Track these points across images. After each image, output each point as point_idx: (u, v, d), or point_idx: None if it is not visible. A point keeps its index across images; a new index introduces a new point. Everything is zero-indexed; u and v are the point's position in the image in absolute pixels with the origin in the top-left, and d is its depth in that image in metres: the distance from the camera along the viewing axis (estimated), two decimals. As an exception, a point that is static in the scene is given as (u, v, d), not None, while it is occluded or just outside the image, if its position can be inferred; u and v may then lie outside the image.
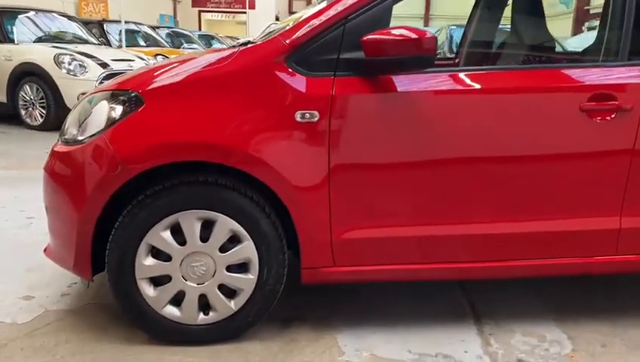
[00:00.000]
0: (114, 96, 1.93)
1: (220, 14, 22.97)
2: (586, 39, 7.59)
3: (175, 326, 1.97)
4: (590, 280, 2.54)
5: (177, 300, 1.96)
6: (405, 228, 1.97)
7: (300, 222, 1.91)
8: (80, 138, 1.93)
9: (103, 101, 1.95)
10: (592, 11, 18.61)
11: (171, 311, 1.96)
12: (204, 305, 1.97)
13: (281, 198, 1.88)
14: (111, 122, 1.87)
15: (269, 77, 1.86)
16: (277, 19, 22.29)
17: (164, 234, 1.88)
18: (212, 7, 22.19)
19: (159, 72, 1.98)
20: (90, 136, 1.89)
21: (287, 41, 1.88)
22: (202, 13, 22.27)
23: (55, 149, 2.03)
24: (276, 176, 1.85)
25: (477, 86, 1.95)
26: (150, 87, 1.88)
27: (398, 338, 2.07)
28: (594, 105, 1.96)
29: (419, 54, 1.76)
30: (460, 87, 1.95)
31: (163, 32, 12.35)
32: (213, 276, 1.94)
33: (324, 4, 1.97)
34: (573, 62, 2.39)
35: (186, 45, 12.16)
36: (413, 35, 1.75)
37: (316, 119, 1.85)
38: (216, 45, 14.76)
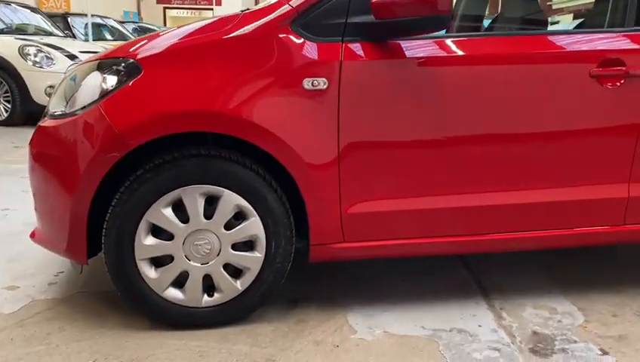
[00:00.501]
0: (106, 65, 1.80)
1: (185, 11, 22.55)
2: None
3: (178, 310, 1.86)
4: (594, 250, 2.53)
5: (180, 282, 1.85)
6: (418, 199, 1.91)
7: (308, 195, 1.82)
8: (69, 111, 1.80)
9: (94, 72, 1.82)
10: (554, 7, 19.03)
11: (174, 293, 1.85)
12: (209, 286, 1.87)
13: (288, 170, 1.79)
14: (105, 92, 1.74)
15: (274, 42, 1.76)
16: (244, 15, 22.05)
17: (166, 211, 1.77)
18: (177, 4, 21.76)
19: (155, 38, 1.87)
20: (82, 108, 1.76)
21: (293, 5, 1.79)
22: (167, 10, 21.82)
23: (41, 124, 1.89)
24: (284, 146, 1.76)
25: (491, 52, 1.89)
26: (148, 54, 1.76)
27: (410, 316, 2.00)
28: (603, 71, 1.93)
29: (434, 14, 1.69)
30: (474, 54, 1.89)
31: (129, 27, 12.04)
32: (218, 255, 1.83)
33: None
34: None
35: (153, 40, 11.87)
36: (423, -4, 1.68)
37: (325, 87, 1.77)
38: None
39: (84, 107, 1.75)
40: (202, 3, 21.64)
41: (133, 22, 14.26)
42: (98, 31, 9.78)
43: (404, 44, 1.82)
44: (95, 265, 2.07)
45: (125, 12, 19.17)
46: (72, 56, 6.61)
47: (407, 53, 1.82)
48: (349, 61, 1.78)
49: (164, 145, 1.75)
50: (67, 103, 1.84)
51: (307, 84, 1.76)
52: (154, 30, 12.79)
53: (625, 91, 1.95)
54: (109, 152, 1.70)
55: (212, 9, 21.02)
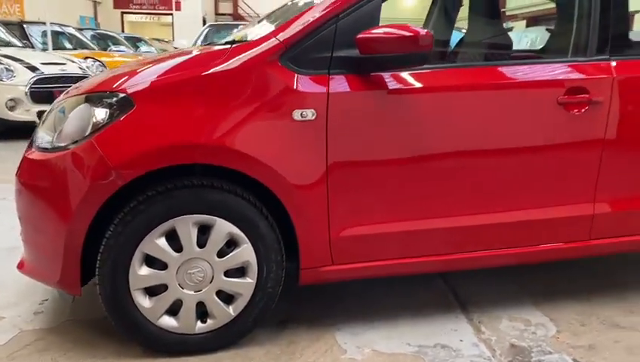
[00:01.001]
0: (96, 99, 1.83)
1: (144, 16, 22.23)
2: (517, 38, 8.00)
3: (172, 337, 1.90)
4: (562, 263, 2.68)
5: (174, 310, 1.88)
6: (401, 222, 2.00)
7: (298, 222, 1.89)
8: (61, 144, 1.81)
9: (84, 104, 1.84)
10: (507, 13, 19.64)
11: (168, 321, 1.88)
12: (202, 312, 1.91)
13: (280, 199, 1.86)
14: (97, 126, 1.77)
15: (264, 76, 1.83)
16: (204, 21, 21.91)
17: (160, 241, 1.81)
18: (135, 9, 21.43)
19: (144, 70, 1.90)
20: (75, 142, 1.77)
21: (281, 39, 1.86)
22: (125, 15, 21.46)
23: (30, 157, 1.90)
24: (275, 176, 1.83)
25: (467, 82, 2.01)
26: (140, 88, 1.79)
27: (395, 333, 2.10)
28: (569, 99, 2.07)
29: (415, 51, 1.79)
30: (451, 84, 2.00)
31: (88, 34, 11.80)
32: (210, 282, 1.88)
33: (318, 3, 1.95)
34: (537, 59, 2.50)
35: (113, 47, 11.68)
36: (409, 33, 1.78)
37: (313, 117, 1.84)
38: (143, 48, 14.27)
39: (77, 141, 1.77)
40: (161, 8, 21.39)
41: (91, 29, 13.97)
42: (56, 39, 9.55)
43: (386, 75, 1.91)
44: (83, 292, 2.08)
45: (81, 17, 18.78)
46: (32, 68, 6.47)
47: (389, 85, 1.91)
48: (336, 93, 1.86)
49: (154, 176, 1.79)
50: (56, 136, 1.85)
51: (297, 115, 1.83)
52: (114, 37, 12.59)
53: (588, 116, 2.10)
54: (104, 186, 1.73)
55: (172, 14, 20.86)
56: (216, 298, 1.90)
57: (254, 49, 1.86)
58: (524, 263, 2.30)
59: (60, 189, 1.78)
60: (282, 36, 1.88)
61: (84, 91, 1.91)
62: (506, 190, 2.08)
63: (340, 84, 1.87)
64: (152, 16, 22.48)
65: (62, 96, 2.05)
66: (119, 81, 1.85)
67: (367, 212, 1.97)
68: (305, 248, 1.93)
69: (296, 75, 1.85)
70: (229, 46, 1.94)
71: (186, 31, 20.61)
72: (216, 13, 26.19)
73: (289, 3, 2.69)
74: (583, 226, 2.22)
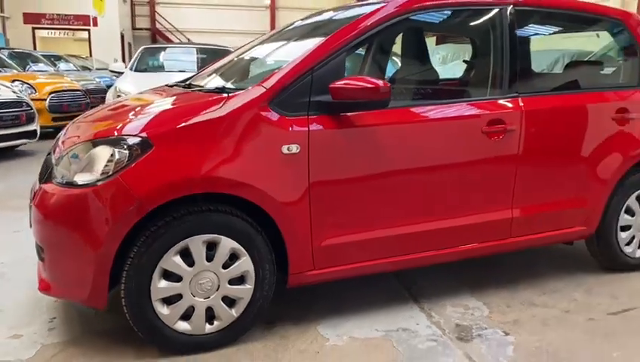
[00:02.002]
0: (116, 141, 2.17)
1: (56, 31, 21.53)
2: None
3: (186, 339, 2.26)
4: (490, 258, 3.26)
5: (187, 315, 2.25)
6: (367, 232, 2.48)
7: (287, 235, 2.32)
8: (86, 181, 2.13)
9: (104, 146, 2.17)
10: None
11: (182, 325, 2.24)
12: (210, 316, 2.29)
13: (273, 218, 2.28)
14: (121, 165, 2.11)
15: (257, 118, 2.25)
16: (122, 37, 21.57)
17: (176, 258, 2.18)
18: (47, 24, 20.72)
19: (156, 114, 2.27)
20: (102, 179, 2.10)
21: (267, 86, 2.29)
22: (36, 30, 20.69)
23: (53, 191, 2.19)
24: (269, 199, 2.25)
25: (417, 118, 2.53)
26: (158, 132, 2.15)
27: (365, 322, 2.57)
28: (490, 128, 2.65)
29: (376, 98, 2.28)
30: (402, 120, 2.50)
31: (5, 53, 11.46)
32: (217, 290, 2.27)
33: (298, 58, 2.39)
34: (466, 96, 3.03)
35: (32, 67, 11.43)
36: (371, 85, 2.26)
37: (298, 151, 2.29)
38: (62, 66, 13.96)
39: (104, 178, 2.10)
40: (76, 23, 20.83)
41: (6, 48, 13.49)
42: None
43: (352, 115, 2.39)
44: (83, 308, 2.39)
45: (-11, 34, 17.96)
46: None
47: (355, 123, 2.39)
48: (314, 130, 2.31)
49: (170, 204, 2.15)
50: (79, 173, 2.16)
51: (285, 149, 2.27)
52: (33, 56, 12.29)
53: (505, 142, 2.69)
54: (131, 215, 2.08)
55: (88, 30, 20.37)
56: (222, 303, 2.28)
57: (246, 96, 2.28)
58: (463, 259, 2.84)
59: (90, 220, 2.10)
60: (267, 84, 2.31)
61: (96, 136, 2.24)
62: (447, 201, 2.63)
63: (317, 123, 2.33)
64: (66, 31, 21.82)
65: (69, 134, 2.36)
66: (137, 125, 2.20)
67: (339, 224, 2.43)
68: (292, 257, 2.36)
69: (282, 118, 2.28)
70: (224, 94, 2.33)
71: (103, 47, 20.21)
72: (134, 28, 25.81)
73: (233, 58, 3.15)
74: (505, 227, 2.81)
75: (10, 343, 2.35)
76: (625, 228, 3.17)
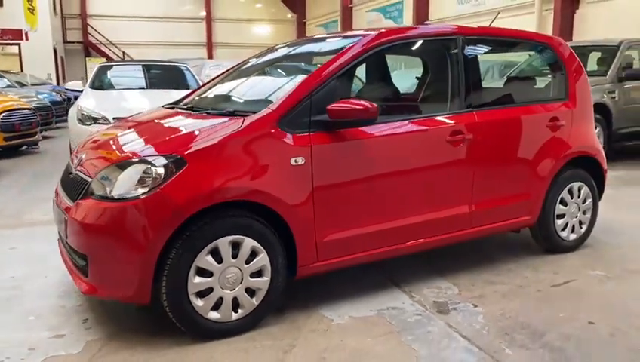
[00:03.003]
0: (156, 160, 2.53)
1: (-16, 46, 20.81)
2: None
3: (216, 326, 2.65)
4: (455, 247, 3.81)
5: (217, 305, 2.64)
6: (360, 228, 2.97)
7: (296, 233, 2.77)
8: (131, 195, 2.48)
9: (144, 164, 2.54)
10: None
11: (213, 314, 2.64)
12: (234, 305, 2.69)
13: (285, 218, 2.72)
14: (160, 180, 2.48)
15: (270, 137, 2.69)
16: (55, 51, 21.10)
17: (208, 257, 2.57)
18: (-26, 39, 20.02)
19: (183, 136, 2.68)
20: (145, 193, 2.47)
21: (273, 108, 2.74)
22: (-38, 46, 19.94)
23: (97, 205, 2.53)
24: (282, 204, 2.69)
25: (395, 131, 3.04)
26: (190, 151, 2.55)
27: (359, 304, 3.04)
28: (453, 138, 3.21)
29: (366, 117, 2.78)
30: (385, 133, 3.01)
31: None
32: (241, 282, 2.68)
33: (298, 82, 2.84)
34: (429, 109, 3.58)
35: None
36: (362, 106, 2.75)
37: (303, 163, 2.74)
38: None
39: (147, 192, 2.47)
40: (5, 38, 20.19)
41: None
42: None
43: (346, 131, 2.87)
44: (113, 307, 2.74)
45: None
46: None
47: (348, 136, 2.88)
48: (315, 145, 2.78)
49: (201, 212, 2.55)
50: (121, 188, 2.51)
51: (292, 161, 2.72)
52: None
53: (465, 148, 3.26)
54: (171, 223, 2.46)
55: (19, 44, 19.84)
56: (245, 293, 2.70)
57: (260, 118, 2.71)
58: (436, 247, 3.38)
59: (136, 228, 2.46)
60: (276, 107, 2.76)
61: (143, 154, 2.60)
62: (423, 198, 3.16)
63: (317, 138, 2.79)
64: (-5, 46, 21.12)
65: (101, 151, 2.70)
66: (172, 146, 2.59)
67: (338, 222, 2.90)
68: (300, 251, 2.81)
69: (289, 135, 2.74)
70: (239, 116, 2.75)
71: (36, 61, 19.75)
72: (65, 42, 25.23)
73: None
74: (467, 219, 3.37)
75: (57, 341, 2.66)
76: (560, 216, 3.82)
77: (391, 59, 3.63)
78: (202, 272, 2.58)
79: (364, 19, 22.26)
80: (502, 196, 3.51)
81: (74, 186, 2.84)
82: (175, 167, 2.52)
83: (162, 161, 2.54)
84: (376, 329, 2.78)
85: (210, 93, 3.68)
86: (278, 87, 3.10)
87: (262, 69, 3.72)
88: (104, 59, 24.09)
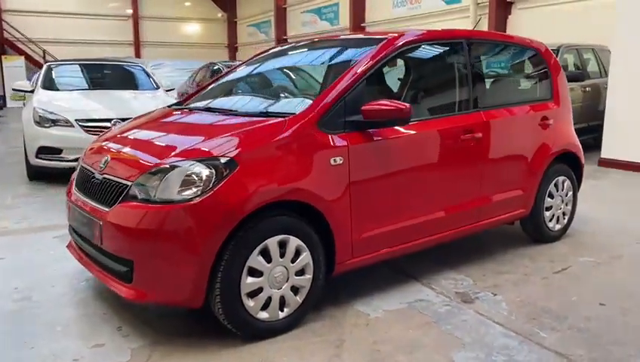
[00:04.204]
0: (207, 162, 2.51)
1: None
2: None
3: (265, 325, 2.66)
4: (462, 241, 3.99)
5: (265, 304, 2.65)
6: (391, 224, 3.08)
7: (335, 232, 2.83)
8: (183, 198, 2.45)
9: (196, 166, 2.50)
10: (288, 40, 21.84)
11: (263, 314, 2.65)
12: (281, 304, 2.72)
13: (326, 218, 2.77)
14: (212, 183, 2.46)
15: (312, 137, 2.74)
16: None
17: (259, 257, 2.58)
18: None
19: (226, 137, 2.65)
20: (199, 195, 2.44)
21: (315, 111, 2.79)
22: None
23: (144, 209, 2.48)
24: (324, 203, 2.74)
25: (421, 129, 3.17)
26: (239, 152, 2.54)
27: (389, 298, 3.14)
28: (466, 136, 3.39)
29: (400, 117, 2.88)
30: (413, 131, 3.13)
31: None
32: (287, 281, 2.70)
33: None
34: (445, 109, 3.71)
35: None
36: (395, 107, 2.85)
37: (341, 162, 2.81)
38: None
39: (201, 195, 2.44)
40: None
41: None
42: None
43: (381, 130, 2.97)
44: (142, 314, 2.70)
45: None
46: None
47: (380, 135, 2.97)
48: (352, 145, 2.85)
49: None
50: (169, 192, 2.47)
51: (332, 161, 2.78)
52: None
53: (476, 146, 3.45)
54: (227, 224, 2.45)
55: None
56: (291, 292, 2.73)
57: (302, 119, 2.75)
58: (453, 240, 3.55)
59: (191, 231, 2.43)
60: (315, 109, 2.80)
61: (193, 155, 2.56)
62: (444, 193, 3.33)
63: (352, 138, 2.87)
64: None
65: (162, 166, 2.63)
66: (223, 148, 2.57)
67: (372, 219, 2.98)
68: (339, 248, 2.87)
69: (328, 135, 2.79)
70: (278, 117, 2.77)
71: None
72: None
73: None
74: (477, 213, 3.57)
75: (100, 351, 2.57)
76: (548, 209, 4.12)
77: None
78: (253, 272, 2.59)
79: (299, 20, 22.35)
80: (504, 190, 3.74)
81: (104, 190, 2.75)
82: (228, 169, 2.51)
83: (214, 162, 2.52)
84: (414, 321, 2.89)
85: (228, 94, 3.64)
86: (308, 88, 3.15)
87: (279, 68, 3.73)
88: (22, 58, 22.74)
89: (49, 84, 7.25)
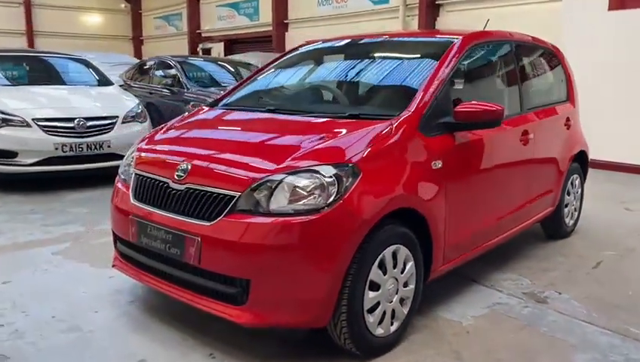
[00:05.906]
0: (335, 168, 2.30)
1: None
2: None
3: (379, 341, 2.49)
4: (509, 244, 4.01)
5: (380, 319, 2.49)
6: (476, 226, 3.04)
7: (434, 239, 2.72)
8: (308, 208, 2.22)
9: (312, 174, 2.28)
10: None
11: (379, 329, 2.48)
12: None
13: (430, 225, 2.65)
14: (342, 191, 2.26)
15: (417, 141, 2.62)
16: None
17: (377, 270, 2.41)
18: None
19: (339, 142, 2.45)
20: (327, 206, 2.22)
21: (414, 114, 2.66)
22: None
23: (262, 222, 2.22)
24: (427, 208, 2.62)
25: (497, 131, 3.11)
26: (360, 158, 2.36)
27: (468, 305, 3.06)
28: (523, 136, 3.43)
29: (494, 119, 2.83)
30: (491, 132, 3.08)
31: None
32: (396, 293, 2.55)
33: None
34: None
35: None
36: (492, 108, 2.79)
37: (441, 166, 2.71)
38: None
39: (328, 204, 2.23)
40: None
41: None
42: None
43: (469, 133, 2.90)
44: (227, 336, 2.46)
45: None
46: None
47: (469, 138, 2.91)
48: (448, 146, 2.76)
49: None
50: (292, 203, 2.25)
51: (434, 165, 2.67)
52: None
53: (531, 145, 3.51)
54: (358, 235, 2.26)
55: None
56: (399, 304, 2.58)
57: (406, 122, 2.61)
58: (507, 240, 3.57)
59: (321, 244, 2.21)
60: (413, 111, 2.67)
61: (322, 160, 2.34)
62: (513, 193, 3.36)
63: (447, 140, 2.78)
64: None
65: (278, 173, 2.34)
66: (343, 154, 2.37)
67: (461, 223, 2.91)
68: (436, 256, 2.77)
69: (427, 139, 2.68)
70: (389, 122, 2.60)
71: None
72: None
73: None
74: (527, 212, 3.63)
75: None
76: (566, 205, 4.29)
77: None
78: (371, 286, 2.41)
79: (215, 14, 21.67)
80: (543, 189, 3.83)
81: (191, 202, 2.43)
82: (351, 177, 2.31)
83: (342, 168, 2.31)
84: (507, 325, 2.86)
85: (296, 93, 3.46)
86: (393, 89, 3.03)
87: (343, 67, 3.53)
88: None
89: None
